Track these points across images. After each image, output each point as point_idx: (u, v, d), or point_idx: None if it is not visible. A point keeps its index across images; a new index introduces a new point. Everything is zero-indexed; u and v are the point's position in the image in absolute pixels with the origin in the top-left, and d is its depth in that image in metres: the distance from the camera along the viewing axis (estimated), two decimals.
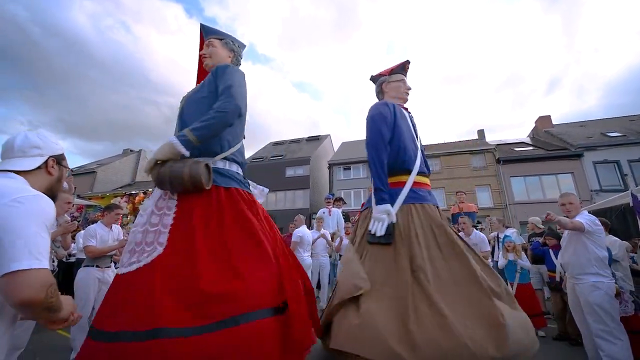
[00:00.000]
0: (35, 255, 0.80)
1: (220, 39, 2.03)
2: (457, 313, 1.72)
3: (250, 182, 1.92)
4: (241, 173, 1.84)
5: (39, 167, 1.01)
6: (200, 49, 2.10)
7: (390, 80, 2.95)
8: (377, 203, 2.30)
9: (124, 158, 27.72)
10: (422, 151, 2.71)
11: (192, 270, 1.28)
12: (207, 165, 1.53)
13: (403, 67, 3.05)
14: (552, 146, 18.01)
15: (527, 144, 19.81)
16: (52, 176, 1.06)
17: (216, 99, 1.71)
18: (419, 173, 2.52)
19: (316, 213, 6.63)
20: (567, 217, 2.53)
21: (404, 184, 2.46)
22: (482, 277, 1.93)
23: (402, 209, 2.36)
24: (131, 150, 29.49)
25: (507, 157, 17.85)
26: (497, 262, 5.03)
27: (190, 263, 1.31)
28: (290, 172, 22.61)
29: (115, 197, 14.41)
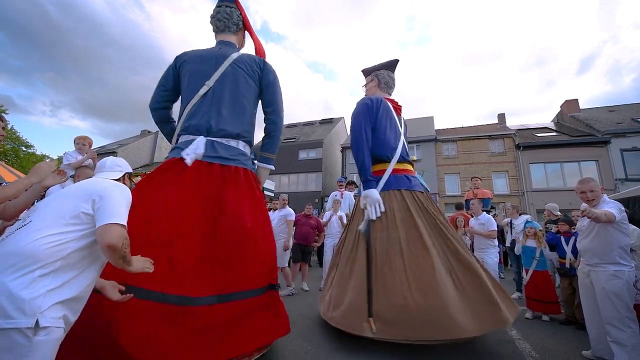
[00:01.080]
0: (121, 217, 1.21)
1: None
2: (413, 287, 2.18)
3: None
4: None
5: (118, 179, 1.52)
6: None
7: (379, 76, 3.25)
8: (365, 188, 2.71)
9: (142, 139, 28.45)
10: (404, 138, 3.01)
11: None
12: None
13: (392, 65, 3.34)
14: (577, 132, 17.16)
15: (550, 130, 18.94)
16: (125, 183, 1.58)
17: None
18: (399, 160, 2.86)
19: (328, 196, 6.73)
20: (588, 205, 2.45)
21: (384, 171, 2.82)
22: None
23: (384, 195, 2.71)
24: (149, 132, 30.16)
25: (528, 143, 17.17)
26: (508, 247, 5.04)
27: None
28: (303, 154, 22.67)
29: (136, 176, 14.97)
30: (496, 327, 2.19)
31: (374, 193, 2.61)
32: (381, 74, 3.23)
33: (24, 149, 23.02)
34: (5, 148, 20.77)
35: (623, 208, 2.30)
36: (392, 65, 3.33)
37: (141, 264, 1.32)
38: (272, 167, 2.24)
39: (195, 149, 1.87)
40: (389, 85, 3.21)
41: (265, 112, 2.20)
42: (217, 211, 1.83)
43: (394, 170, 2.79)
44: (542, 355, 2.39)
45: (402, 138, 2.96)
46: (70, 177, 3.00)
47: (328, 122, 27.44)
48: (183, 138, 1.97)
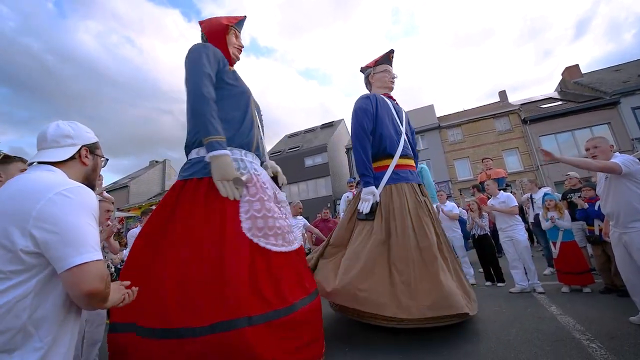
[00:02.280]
0: (93, 247, 0.83)
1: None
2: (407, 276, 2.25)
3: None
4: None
5: (72, 158, 1.01)
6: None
7: (375, 72, 3.24)
8: (364, 186, 2.74)
9: (151, 169, 29.11)
10: (408, 134, 3.04)
11: None
12: None
13: (387, 57, 3.32)
14: (583, 97, 16.73)
15: (555, 99, 18.52)
16: (86, 166, 1.05)
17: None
18: (402, 156, 2.89)
19: (339, 198, 6.71)
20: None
21: (387, 167, 2.84)
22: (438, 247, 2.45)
23: (385, 189, 2.77)
24: (157, 162, 30.84)
25: (534, 115, 16.82)
26: (532, 223, 4.90)
27: None
28: (309, 161, 22.74)
29: (151, 205, 15.34)
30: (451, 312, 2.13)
31: (372, 190, 2.69)
32: (376, 70, 3.22)
33: None
34: None
35: (637, 160, 2.18)
36: (386, 58, 3.29)
37: (117, 293, 0.97)
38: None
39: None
40: (384, 81, 3.17)
41: None
42: None
43: (397, 166, 2.83)
44: (587, 327, 2.29)
45: (404, 134, 2.98)
46: None
47: (329, 125, 27.52)
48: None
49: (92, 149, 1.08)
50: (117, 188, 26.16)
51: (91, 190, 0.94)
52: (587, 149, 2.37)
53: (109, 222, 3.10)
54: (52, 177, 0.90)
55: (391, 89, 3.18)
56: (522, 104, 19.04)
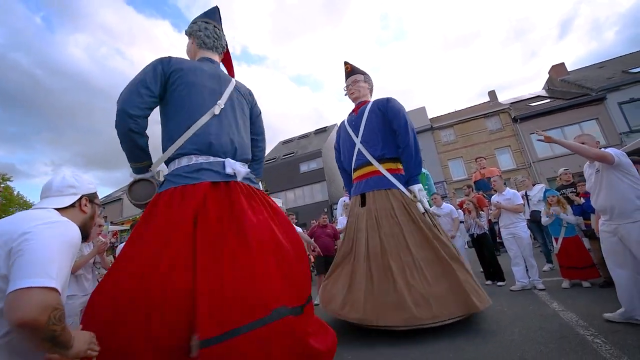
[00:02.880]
0: (47, 274, 0.75)
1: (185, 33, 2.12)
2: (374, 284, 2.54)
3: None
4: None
5: (72, 205, 1.07)
6: None
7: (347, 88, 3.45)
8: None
9: None
10: (365, 141, 3.11)
11: None
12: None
13: (345, 73, 3.48)
14: (570, 94, 17.08)
15: (544, 97, 18.88)
16: (85, 214, 1.11)
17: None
18: (355, 169, 3.20)
19: (336, 203, 6.69)
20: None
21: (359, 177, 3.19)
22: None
23: (351, 201, 3.27)
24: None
25: (524, 114, 17.10)
26: (528, 219, 4.94)
27: None
28: (304, 167, 22.72)
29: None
30: (465, 312, 2.33)
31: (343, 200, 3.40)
32: (346, 87, 3.44)
33: None
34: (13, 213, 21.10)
35: (625, 154, 2.23)
36: (346, 75, 3.45)
37: (84, 344, 0.87)
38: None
39: (241, 172, 1.66)
40: (352, 92, 3.37)
41: (256, 140, 2.12)
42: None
43: (354, 179, 3.28)
44: (590, 322, 2.29)
45: (356, 148, 3.14)
46: None
47: (322, 131, 27.61)
48: (202, 159, 1.60)
49: (91, 198, 1.15)
50: (111, 201, 25.77)
51: (77, 228, 0.96)
52: None
53: (100, 237, 3.03)
54: (44, 213, 0.95)
55: (354, 99, 3.38)
56: (511, 103, 19.36)
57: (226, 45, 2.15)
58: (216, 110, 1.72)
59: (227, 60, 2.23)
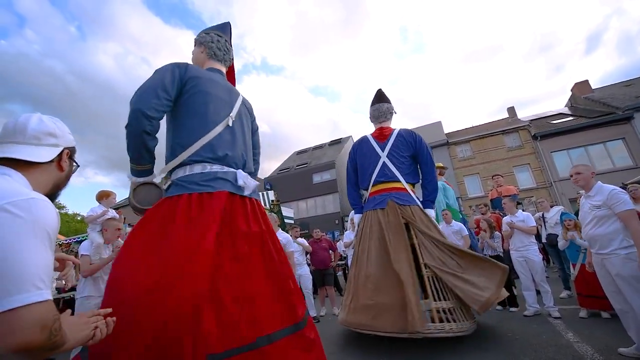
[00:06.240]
0: (36, 283, 0.60)
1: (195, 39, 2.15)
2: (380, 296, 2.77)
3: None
4: None
5: (51, 161, 0.84)
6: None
7: (371, 112, 3.73)
8: (355, 213, 3.77)
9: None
10: (392, 155, 3.39)
11: None
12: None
13: (379, 97, 3.76)
14: (595, 112, 16.49)
15: (566, 115, 18.31)
16: (62, 172, 0.89)
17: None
18: (374, 183, 3.41)
19: (348, 215, 6.69)
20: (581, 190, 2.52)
21: (370, 196, 3.48)
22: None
23: (365, 215, 3.43)
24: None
25: (544, 131, 16.61)
26: (545, 243, 4.76)
27: None
28: (317, 178, 22.83)
29: None
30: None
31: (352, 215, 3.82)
32: (370, 110, 3.73)
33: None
34: None
35: (620, 190, 2.22)
36: (379, 98, 3.70)
37: (81, 332, 0.73)
38: None
39: (251, 186, 1.71)
40: (375, 116, 3.65)
41: (254, 154, 2.12)
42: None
43: (370, 193, 3.49)
44: (606, 357, 2.18)
45: (381, 161, 3.40)
46: (99, 231, 3.11)
47: (337, 142, 27.78)
48: (216, 167, 1.63)
49: (72, 152, 0.92)
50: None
51: (50, 204, 0.71)
52: (570, 176, 2.49)
53: (120, 239, 3.15)
54: (6, 185, 0.68)
55: (378, 123, 3.66)
56: (531, 120, 18.88)
57: (232, 59, 2.27)
58: (229, 122, 1.77)
59: (230, 73, 2.36)
